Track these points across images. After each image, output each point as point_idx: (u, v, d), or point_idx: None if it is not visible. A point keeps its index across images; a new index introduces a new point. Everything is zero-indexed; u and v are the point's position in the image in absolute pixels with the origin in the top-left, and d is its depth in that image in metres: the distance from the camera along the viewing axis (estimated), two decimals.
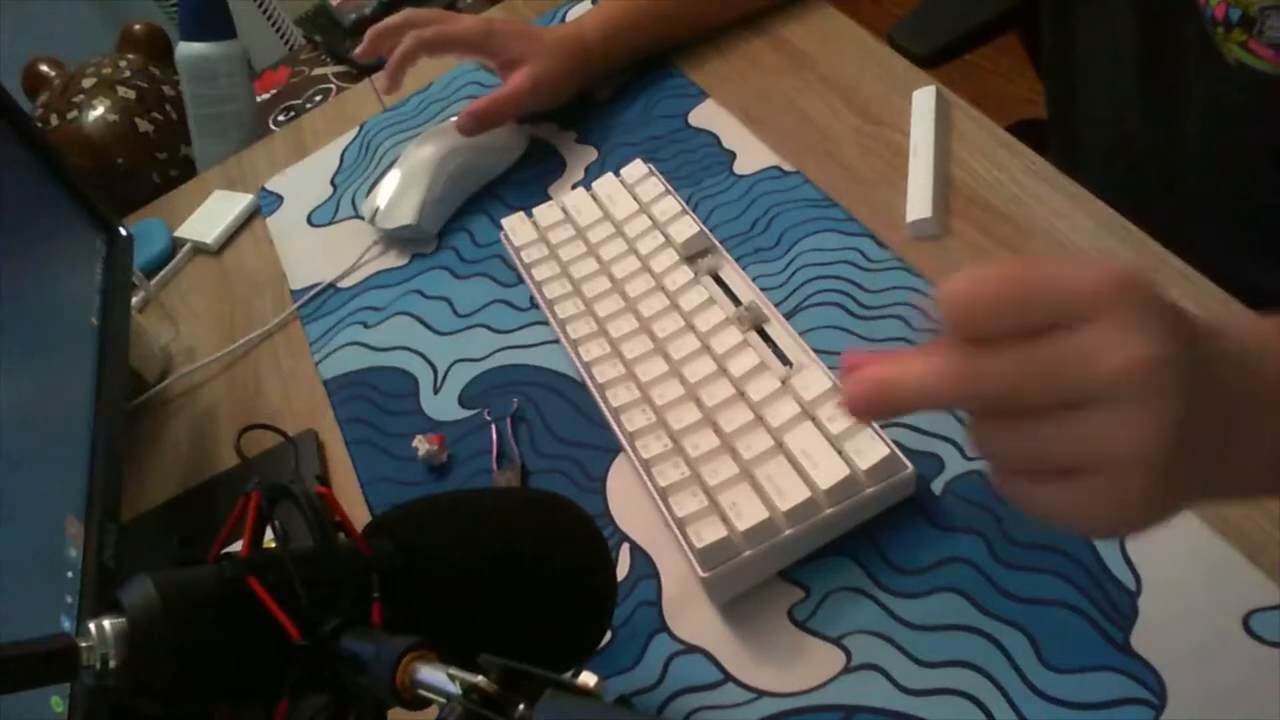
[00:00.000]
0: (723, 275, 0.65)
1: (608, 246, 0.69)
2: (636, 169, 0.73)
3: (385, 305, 0.79)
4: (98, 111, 1.17)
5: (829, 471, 0.52)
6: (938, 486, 0.54)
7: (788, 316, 0.63)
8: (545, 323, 0.70)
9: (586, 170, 0.81)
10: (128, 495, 0.70)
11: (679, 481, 0.54)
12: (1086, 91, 0.75)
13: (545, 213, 0.74)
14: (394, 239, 0.83)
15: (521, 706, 0.30)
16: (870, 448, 0.52)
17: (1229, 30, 0.55)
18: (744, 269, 0.65)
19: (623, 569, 0.57)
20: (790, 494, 0.52)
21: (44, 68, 1.25)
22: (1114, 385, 0.33)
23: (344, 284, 0.82)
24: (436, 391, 0.71)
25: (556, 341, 0.68)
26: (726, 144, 0.77)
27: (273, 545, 0.39)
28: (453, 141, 0.81)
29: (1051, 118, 0.83)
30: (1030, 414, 0.35)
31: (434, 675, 0.33)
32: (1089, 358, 0.33)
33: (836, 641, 0.51)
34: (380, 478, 0.67)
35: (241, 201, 0.94)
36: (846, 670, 0.49)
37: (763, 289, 0.63)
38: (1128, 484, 0.34)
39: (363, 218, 0.85)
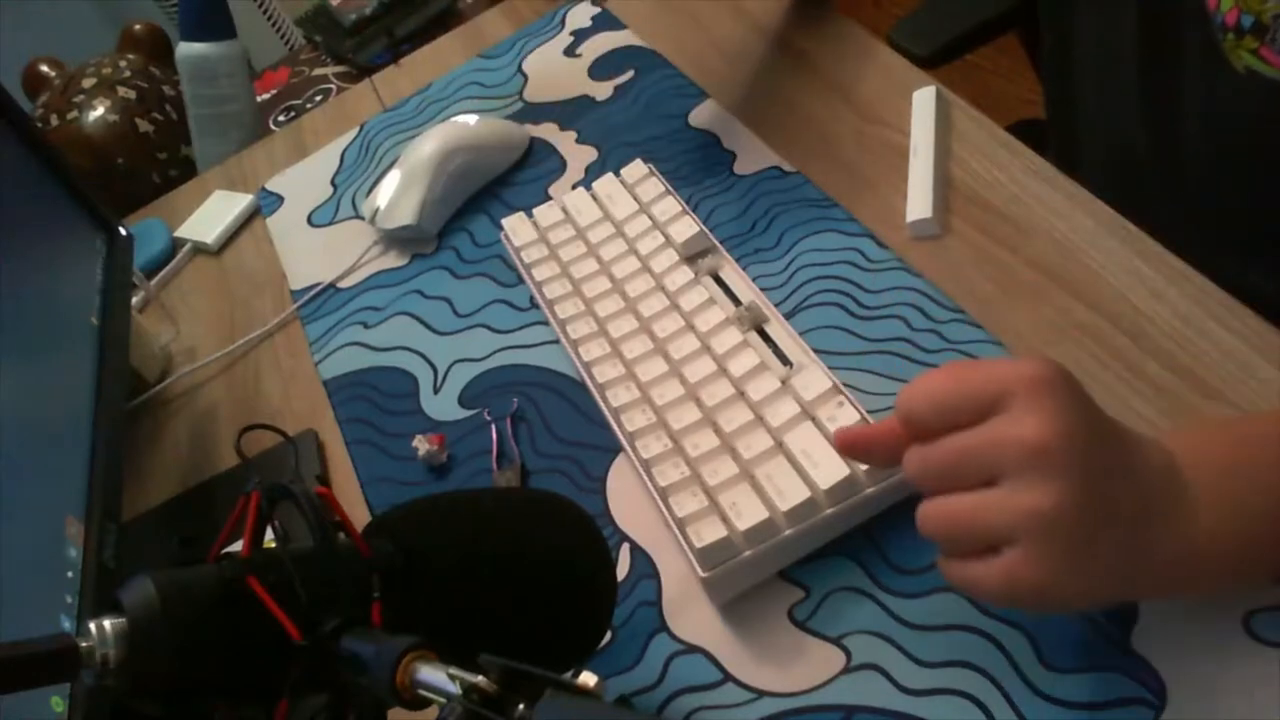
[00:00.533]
0: (723, 275, 0.65)
1: (608, 246, 0.69)
2: (636, 169, 0.73)
3: (385, 305, 0.79)
4: (98, 111, 1.17)
5: (829, 471, 0.52)
6: None
7: (788, 316, 0.63)
8: (545, 323, 0.70)
9: (586, 170, 0.81)
10: (128, 495, 0.70)
11: (679, 481, 0.54)
12: (1085, 94, 0.75)
13: (545, 213, 0.74)
14: (394, 239, 0.83)
15: (521, 706, 0.30)
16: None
17: (1240, 37, 0.54)
18: (744, 269, 0.65)
19: (623, 569, 0.57)
20: (790, 494, 0.52)
21: (44, 68, 1.26)
22: (1017, 461, 0.39)
23: (344, 284, 0.82)
24: (436, 391, 0.71)
25: (556, 341, 0.68)
26: (726, 144, 0.77)
27: (273, 545, 0.39)
28: (453, 141, 0.81)
29: (1050, 119, 0.83)
30: (965, 491, 0.40)
31: (434, 675, 0.33)
32: (999, 438, 0.39)
33: (836, 641, 0.51)
34: (380, 478, 0.67)
35: (241, 201, 0.94)
36: (846, 670, 0.49)
37: (763, 289, 0.63)
38: (1038, 553, 0.39)
39: (363, 218, 0.85)
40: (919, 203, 0.65)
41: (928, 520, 0.42)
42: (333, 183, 0.92)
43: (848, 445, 0.48)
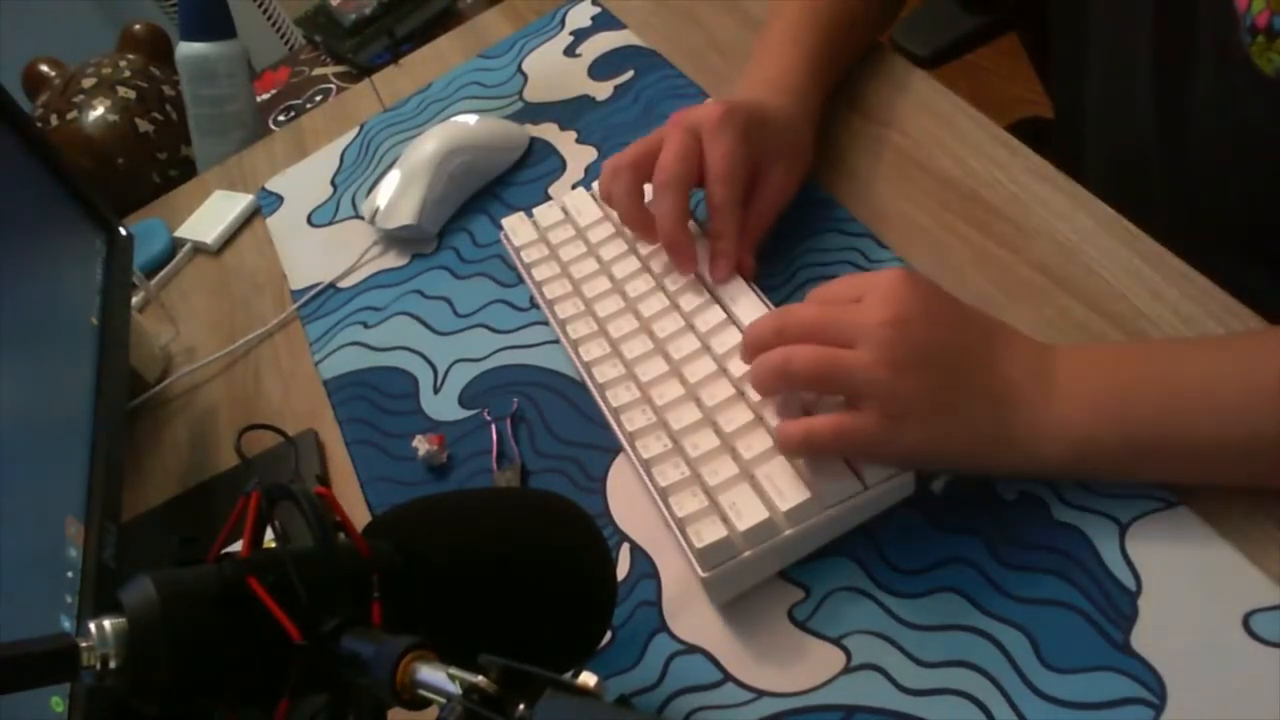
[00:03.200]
0: None
1: (608, 246, 0.69)
2: None
3: (385, 305, 0.79)
4: (98, 111, 1.17)
5: (829, 471, 0.52)
6: (937, 486, 0.54)
7: None
8: (545, 323, 0.70)
9: (586, 170, 0.81)
10: (128, 495, 0.70)
11: (679, 481, 0.54)
12: (1094, 95, 0.74)
13: (545, 213, 0.74)
14: (394, 239, 0.83)
15: (521, 706, 0.30)
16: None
17: (1271, 39, 0.54)
18: None
19: (623, 569, 0.57)
20: (790, 494, 0.51)
21: (44, 68, 1.25)
22: (865, 332, 0.49)
23: (344, 284, 0.82)
24: (436, 391, 0.71)
25: (556, 341, 0.68)
26: None
27: (273, 545, 0.39)
28: (453, 141, 0.81)
29: (1057, 119, 0.83)
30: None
31: (434, 675, 0.33)
32: (858, 314, 0.50)
33: (836, 641, 0.51)
34: (380, 478, 0.67)
35: (241, 201, 0.94)
36: (846, 670, 0.49)
37: (763, 289, 0.63)
38: (864, 399, 0.49)
39: (363, 218, 0.85)
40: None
41: (795, 357, 0.50)
42: (333, 183, 0.92)
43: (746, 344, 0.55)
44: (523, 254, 0.72)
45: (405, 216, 0.80)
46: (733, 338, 0.60)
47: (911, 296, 0.49)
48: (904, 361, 0.48)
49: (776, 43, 0.72)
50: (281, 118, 1.21)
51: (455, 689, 0.31)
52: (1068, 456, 0.49)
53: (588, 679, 0.31)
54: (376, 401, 0.72)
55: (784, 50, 0.71)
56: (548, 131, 0.86)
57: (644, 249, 0.67)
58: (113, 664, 0.34)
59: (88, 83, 1.19)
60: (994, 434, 0.49)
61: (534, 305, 0.72)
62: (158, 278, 0.92)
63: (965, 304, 0.52)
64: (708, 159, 0.62)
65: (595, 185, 0.74)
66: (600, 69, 0.89)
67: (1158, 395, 0.48)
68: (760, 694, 0.50)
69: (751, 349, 0.54)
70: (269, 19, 1.85)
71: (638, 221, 0.65)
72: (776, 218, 0.66)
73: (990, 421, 0.49)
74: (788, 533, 0.51)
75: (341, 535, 0.41)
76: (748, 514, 0.51)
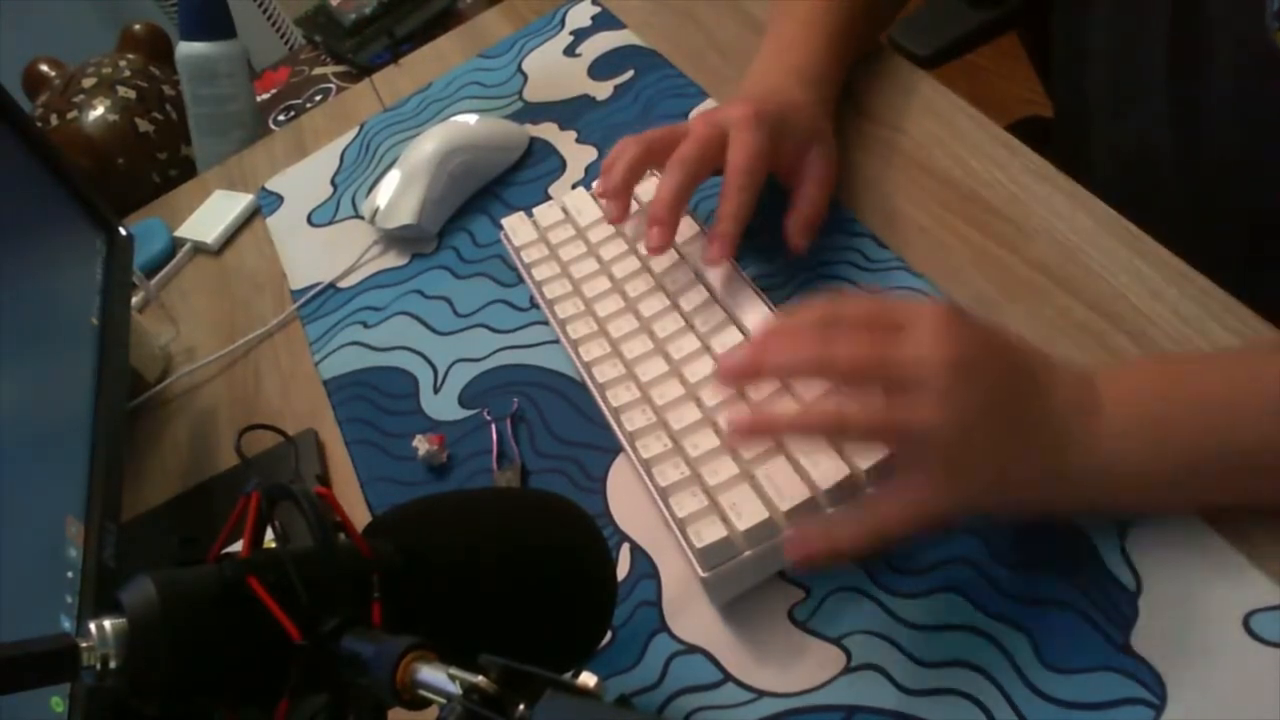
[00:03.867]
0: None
1: (608, 246, 0.69)
2: None
3: (385, 305, 0.79)
4: (98, 111, 1.17)
5: (829, 471, 0.52)
6: None
7: None
8: (545, 323, 0.70)
9: (586, 170, 0.81)
10: (128, 495, 0.70)
11: (679, 481, 0.54)
12: (1099, 91, 0.74)
13: (545, 213, 0.74)
14: (394, 239, 0.83)
15: (521, 706, 0.30)
16: (871, 448, 0.52)
17: None
18: (744, 269, 0.65)
19: (623, 569, 0.57)
20: (790, 494, 0.51)
21: (44, 68, 1.25)
22: (916, 373, 0.44)
23: (344, 284, 0.82)
24: (436, 391, 0.71)
25: (556, 341, 0.68)
26: None
27: (273, 545, 0.39)
28: (453, 141, 0.81)
29: (1058, 118, 0.83)
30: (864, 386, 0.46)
31: (434, 675, 0.33)
32: (915, 356, 0.44)
33: (836, 641, 0.50)
34: (380, 478, 0.67)
35: (241, 201, 0.94)
36: (846, 670, 0.49)
37: (763, 289, 0.63)
38: (926, 457, 0.45)
39: (363, 218, 0.85)
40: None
41: (851, 418, 0.45)
42: (333, 182, 0.92)
43: (736, 362, 0.49)
44: (523, 254, 0.72)
45: (405, 216, 0.80)
46: (733, 338, 0.60)
47: (969, 336, 0.45)
48: (970, 411, 0.44)
49: (795, 26, 0.72)
50: (281, 118, 1.21)
51: (455, 689, 0.31)
52: (1127, 495, 0.48)
53: (588, 679, 0.31)
54: (376, 401, 0.72)
55: (804, 35, 0.71)
56: (548, 131, 0.86)
57: (644, 249, 0.67)
58: (113, 664, 0.34)
59: (88, 83, 1.19)
60: (1054, 473, 0.47)
61: (534, 305, 0.72)
62: (158, 278, 0.92)
63: (1011, 336, 0.48)
64: (730, 149, 0.61)
65: (595, 184, 0.74)
66: (600, 69, 0.89)
67: (1207, 417, 0.46)
68: (760, 694, 0.50)
69: (784, 369, 0.50)
70: (269, 19, 1.85)
71: (618, 195, 0.64)
72: (830, 197, 0.65)
73: (1049, 467, 0.46)
74: (788, 533, 0.51)
75: (342, 535, 0.41)
76: (748, 514, 0.51)
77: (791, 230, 0.63)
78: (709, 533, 0.51)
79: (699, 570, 0.52)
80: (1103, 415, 0.47)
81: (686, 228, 0.67)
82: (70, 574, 0.56)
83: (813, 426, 0.49)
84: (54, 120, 1.17)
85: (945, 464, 0.45)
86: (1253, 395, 0.46)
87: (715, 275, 0.64)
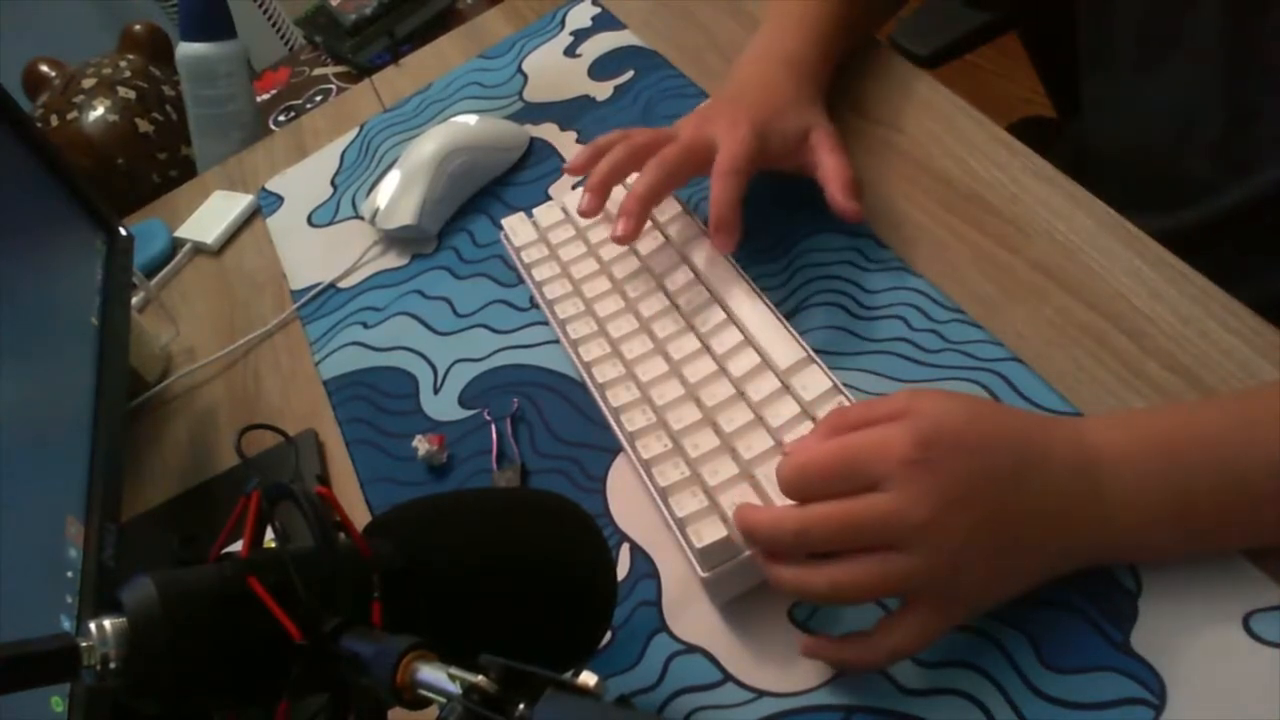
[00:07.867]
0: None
1: (608, 246, 0.69)
2: None
3: (385, 305, 0.79)
4: (98, 111, 1.17)
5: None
6: None
7: (788, 316, 0.63)
8: (545, 323, 0.70)
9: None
10: (128, 495, 0.70)
11: (679, 481, 0.54)
12: (1103, 92, 0.73)
13: (545, 213, 0.74)
14: (394, 239, 0.83)
15: (521, 706, 0.30)
16: None
17: None
18: (744, 269, 0.65)
19: (623, 569, 0.57)
20: None
21: (44, 68, 1.25)
22: (904, 539, 0.43)
23: (344, 284, 0.82)
24: (436, 391, 0.71)
25: (556, 341, 0.68)
26: None
27: (273, 545, 0.39)
28: (453, 141, 0.81)
29: (1059, 118, 0.82)
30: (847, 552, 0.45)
31: (434, 675, 0.33)
32: (886, 517, 0.44)
33: None
34: (380, 478, 0.67)
35: (241, 201, 0.94)
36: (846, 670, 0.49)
37: (763, 289, 0.63)
38: (922, 609, 0.45)
39: (363, 218, 0.85)
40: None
41: (840, 589, 0.45)
42: (333, 183, 0.92)
43: (739, 522, 0.50)
44: (523, 254, 0.72)
45: (405, 216, 0.80)
46: (733, 338, 0.60)
47: (944, 466, 0.44)
48: (958, 549, 0.44)
49: (789, 15, 0.72)
50: (281, 118, 1.21)
51: (455, 689, 0.31)
52: (1140, 550, 0.47)
53: (588, 679, 0.31)
54: (376, 401, 0.72)
55: (796, 25, 0.72)
56: (548, 131, 0.86)
57: (644, 249, 0.67)
58: (113, 664, 0.34)
59: (88, 83, 1.19)
60: (1061, 553, 0.47)
61: (534, 305, 0.72)
62: (158, 278, 0.92)
63: (986, 422, 0.46)
64: (721, 144, 0.63)
65: (568, 162, 0.73)
66: (600, 69, 0.89)
67: (1211, 474, 0.45)
68: (760, 694, 0.50)
69: (767, 544, 0.49)
70: (269, 19, 1.85)
71: (596, 191, 0.65)
72: (848, 158, 0.64)
73: (1055, 549, 0.46)
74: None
75: (342, 535, 0.41)
76: None
77: (837, 198, 0.62)
78: (709, 533, 0.51)
79: (699, 570, 0.52)
80: (1102, 468, 0.45)
81: (687, 228, 0.67)
82: (70, 574, 0.56)
83: (809, 598, 0.51)
84: (54, 120, 1.17)
85: (947, 598, 0.45)
86: (1252, 425, 0.45)
87: (715, 276, 0.64)
